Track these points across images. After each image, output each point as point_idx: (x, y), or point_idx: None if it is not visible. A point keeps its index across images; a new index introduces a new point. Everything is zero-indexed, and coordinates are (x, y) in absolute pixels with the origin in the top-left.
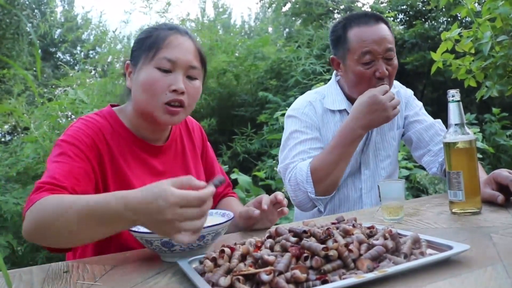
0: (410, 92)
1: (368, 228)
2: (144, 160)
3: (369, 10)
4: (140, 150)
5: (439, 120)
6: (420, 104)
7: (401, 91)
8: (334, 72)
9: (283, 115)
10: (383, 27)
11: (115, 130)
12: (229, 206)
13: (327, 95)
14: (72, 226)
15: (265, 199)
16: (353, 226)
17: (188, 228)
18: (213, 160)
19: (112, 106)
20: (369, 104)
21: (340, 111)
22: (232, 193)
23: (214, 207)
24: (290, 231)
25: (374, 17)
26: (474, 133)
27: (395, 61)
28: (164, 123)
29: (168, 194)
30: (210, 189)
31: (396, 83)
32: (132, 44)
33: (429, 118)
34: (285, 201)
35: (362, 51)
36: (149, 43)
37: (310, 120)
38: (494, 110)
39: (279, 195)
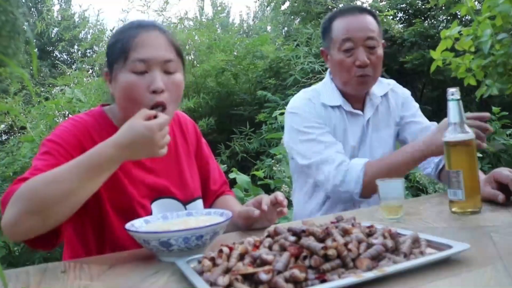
0: (407, 92)
1: (368, 227)
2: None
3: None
4: None
5: (435, 123)
6: (417, 105)
7: (398, 91)
8: (328, 70)
9: (282, 114)
10: (366, 17)
11: (103, 128)
12: (226, 204)
13: (322, 93)
14: (67, 186)
15: (265, 199)
16: (352, 225)
17: (166, 142)
18: (208, 158)
19: (103, 105)
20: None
21: (335, 107)
22: (228, 191)
23: (210, 205)
24: (289, 230)
25: (359, 8)
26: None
27: (379, 51)
28: None
29: (150, 124)
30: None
31: (391, 81)
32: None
33: (426, 120)
34: (285, 202)
35: (342, 38)
36: (119, 48)
37: (316, 114)
38: (494, 109)
39: (279, 195)
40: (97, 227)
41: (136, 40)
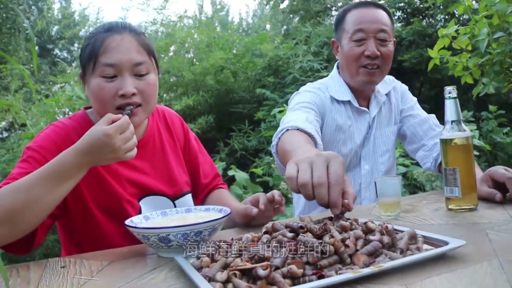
0: (405, 87)
1: (364, 223)
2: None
3: None
4: None
5: (433, 115)
6: (415, 99)
7: (397, 86)
8: (336, 63)
9: (280, 112)
10: (380, 11)
11: (85, 131)
12: (221, 199)
13: (330, 86)
14: (30, 195)
15: (262, 198)
16: (350, 223)
17: (131, 145)
18: (197, 151)
19: (87, 108)
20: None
21: (344, 102)
22: (221, 184)
23: (203, 199)
24: (286, 226)
25: (374, 3)
26: (471, 131)
27: (390, 46)
28: None
29: (106, 129)
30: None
31: (391, 77)
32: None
33: (423, 113)
34: (283, 200)
35: (354, 29)
36: (88, 53)
37: (316, 97)
38: (491, 107)
39: (277, 194)
40: (86, 229)
41: (105, 44)
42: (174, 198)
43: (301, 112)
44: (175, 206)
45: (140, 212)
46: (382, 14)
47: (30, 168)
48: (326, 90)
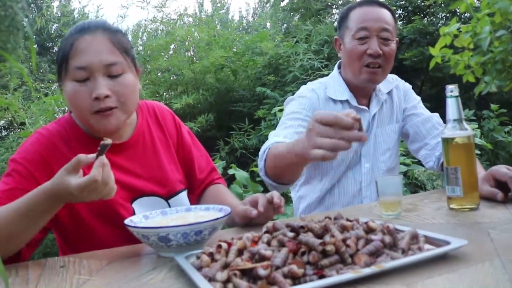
0: (408, 85)
1: (365, 222)
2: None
3: None
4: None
5: (437, 114)
6: (418, 98)
7: (399, 85)
8: (337, 63)
9: (281, 110)
10: (384, 11)
11: (71, 136)
12: (219, 196)
13: (329, 85)
14: (5, 231)
15: (262, 199)
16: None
17: (106, 192)
18: (191, 146)
19: (71, 112)
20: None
21: (341, 101)
22: (218, 178)
23: (199, 194)
24: (287, 226)
25: (378, 2)
26: (473, 129)
27: (393, 45)
28: (105, 130)
29: (71, 189)
30: (98, 161)
31: (394, 77)
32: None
33: (427, 112)
34: (282, 202)
35: (358, 27)
36: (60, 56)
37: (309, 103)
38: (493, 106)
39: (276, 196)
40: (80, 235)
41: (75, 46)
42: (167, 197)
43: (281, 129)
44: (169, 206)
45: (133, 214)
46: (386, 13)
47: (14, 183)
48: (323, 90)
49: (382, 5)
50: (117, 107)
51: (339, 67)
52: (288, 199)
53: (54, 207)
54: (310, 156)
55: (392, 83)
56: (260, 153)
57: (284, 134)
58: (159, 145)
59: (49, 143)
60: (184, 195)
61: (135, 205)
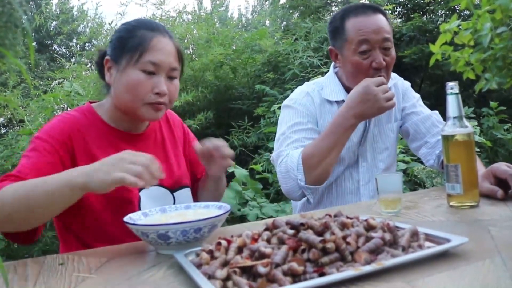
0: (407, 84)
1: (365, 220)
2: (122, 148)
3: (368, 2)
4: (118, 140)
5: (436, 112)
6: (417, 96)
7: (398, 83)
8: (333, 63)
9: (280, 108)
10: (380, 17)
11: (92, 124)
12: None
13: (325, 86)
14: (36, 204)
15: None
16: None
17: (134, 169)
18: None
19: (91, 102)
20: (362, 94)
21: (337, 102)
22: None
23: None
24: (287, 223)
25: (372, 8)
26: (472, 127)
27: (393, 52)
28: (148, 119)
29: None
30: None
31: (393, 75)
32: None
33: (426, 110)
34: (227, 150)
35: (359, 40)
36: (133, 44)
37: (307, 111)
38: (492, 104)
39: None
40: (84, 219)
41: (152, 43)
42: (173, 189)
43: (288, 144)
44: (174, 198)
45: (139, 202)
46: (383, 20)
47: (41, 158)
48: (318, 91)
49: (376, 10)
50: (165, 105)
51: (334, 67)
52: (286, 198)
53: (82, 189)
54: (384, 107)
55: (390, 81)
56: (293, 166)
57: (295, 146)
58: (168, 143)
59: (73, 126)
60: (188, 191)
61: (142, 194)
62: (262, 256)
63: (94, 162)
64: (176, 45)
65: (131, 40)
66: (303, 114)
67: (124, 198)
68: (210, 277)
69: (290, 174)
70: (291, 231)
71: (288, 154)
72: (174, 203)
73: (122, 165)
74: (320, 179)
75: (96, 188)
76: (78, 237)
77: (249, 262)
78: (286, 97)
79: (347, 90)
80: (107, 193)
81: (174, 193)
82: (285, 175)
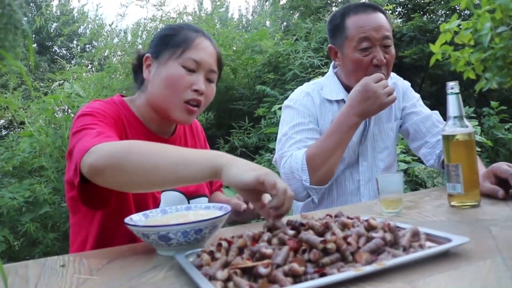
0: (407, 83)
1: (366, 220)
2: None
3: (368, 1)
4: (148, 139)
5: (436, 112)
6: (417, 95)
7: (398, 83)
8: (332, 63)
9: (280, 108)
10: (380, 15)
11: (126, 117)
12: (216, 198)
13: (325, 86)
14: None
15: None
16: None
17: (280, 182)
18: None
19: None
20: (362, 92)
21: (337, 101)
22: (219, 190)
23: None
24: (288, 224)
25: (372, 6)
26: (473, 127)
27: (393, 50)
28: (180, 121)
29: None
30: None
31: (393, 74)
32: (151, 39)
33: (426, 110)
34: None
35: (359, 37)
36: (177, 41)
37: (308, 111)
38: (493, 103)
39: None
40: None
41: (196, 42)
42: (190, 197)
43: (291, 144)
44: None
45: (159, 205)
46: (383, 18)
47: (107, 127)
48: (318, 91)
49: (375, 8)
50: (200, 106)
51: (334, 67)
52: None
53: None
54: (385, 103)
55: (390, 81)
56: (297, 167)
57: (298, 147)
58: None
59: (118, 111)
60: (205, 200)
61: (163, 196)
62: (263, 257)
63: None
64: (217, 50)
65: (175, 38)
66: (304, 114)
67: (146, 198)
68: (211, 278)
69: (294, 175)
70: (291, 232)
71: (291, 155)
72: None
73: (272, 174)
74: (324, 179)
75: (234, 174)
76: (98, 234)
77: (250, 263)
78: (287, 97)
79: (347, 89)
80: (137, 197)
81: (191, 200)
82: (289, 176)
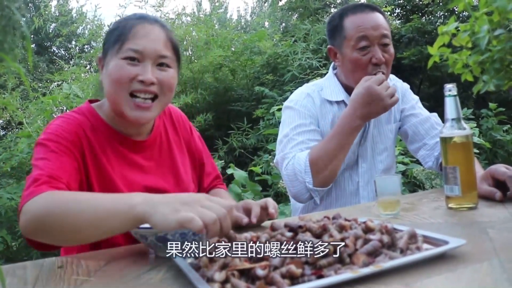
0: (406, 85)
1: (363, 222)
2: (125, 156)
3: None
4: (121, 146)
5: (435, 114)
6: (416, 97)
7: (397, 85)
8: (332, 64)
9: (279, 110)
10: (378, 15)
11: (94, 126)
12: (216, 196)
13: (325, 87)
14: (82, 227)
15: (255, 210)
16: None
17: (208, 215)
18: (201, 151)
19: (91, 102)
20: (365, 95)
21: (338, 102)
22: (221, 184)
23: None
24: (285, 226)
25: (370, 6)
26: (471, 128)
27: (391, 50)
28: (132, 119)
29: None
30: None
31: (392, 76)
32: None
33: (425, 112)
34: (276, 209)
35: (358, 36)
36: (116, 35)
37: (309, 112)
38: (491, 105)
39: (271, 206)
40: None
41: (134, 30)
42: None
43: (293, 145)
44: None
45: None
46: (380, 18)
47: (61, 158)
48: (318, 92)
49: (373, 8)
50: (157, 97)
51: (334, 68)
52: (286, 198)
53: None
54: (389, 104)
55: (389, 82)
56: (300, 169)
57: (300, 148)
58: (174, 147)
59: (78, 126)
60: None
61: None
62: (261, 258)
63: (100, 167)
64: (168, 33)
65: (115, 32)
66: (305, 116)
67: None
68: (209, 279)
69: (297, 177)
70: (289, 234)
71: (294, 156)
72: None
73: (196, 206)
74: (327, 180)
75: (156, 222)
76: (82, 247)
77: (247, 265)
78: (285, 98)
79: (347, 90)
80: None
81: None
82: (292, 178)
